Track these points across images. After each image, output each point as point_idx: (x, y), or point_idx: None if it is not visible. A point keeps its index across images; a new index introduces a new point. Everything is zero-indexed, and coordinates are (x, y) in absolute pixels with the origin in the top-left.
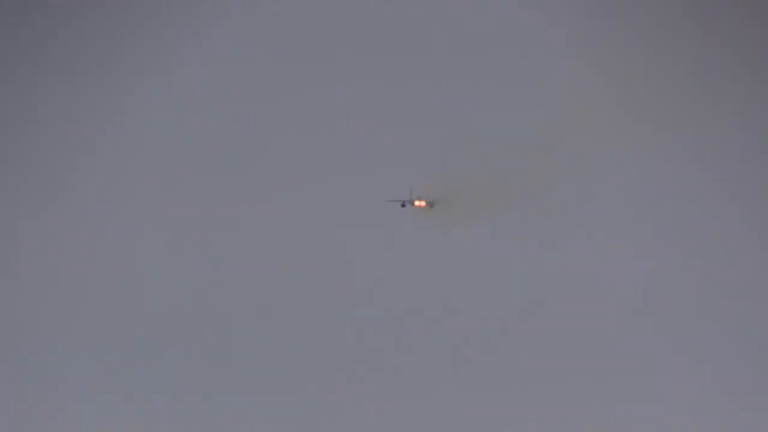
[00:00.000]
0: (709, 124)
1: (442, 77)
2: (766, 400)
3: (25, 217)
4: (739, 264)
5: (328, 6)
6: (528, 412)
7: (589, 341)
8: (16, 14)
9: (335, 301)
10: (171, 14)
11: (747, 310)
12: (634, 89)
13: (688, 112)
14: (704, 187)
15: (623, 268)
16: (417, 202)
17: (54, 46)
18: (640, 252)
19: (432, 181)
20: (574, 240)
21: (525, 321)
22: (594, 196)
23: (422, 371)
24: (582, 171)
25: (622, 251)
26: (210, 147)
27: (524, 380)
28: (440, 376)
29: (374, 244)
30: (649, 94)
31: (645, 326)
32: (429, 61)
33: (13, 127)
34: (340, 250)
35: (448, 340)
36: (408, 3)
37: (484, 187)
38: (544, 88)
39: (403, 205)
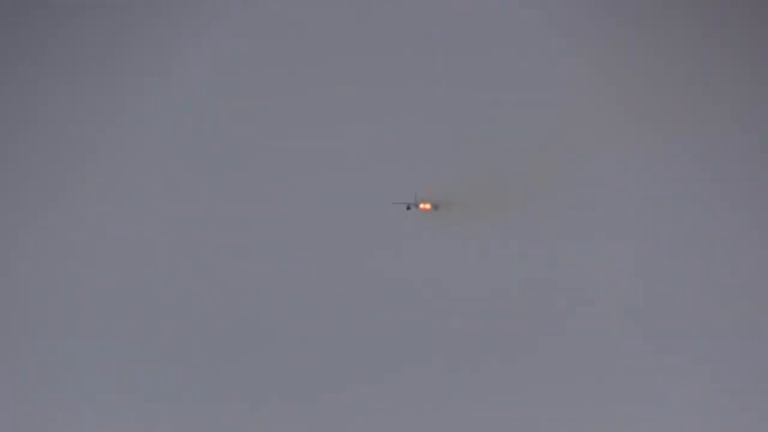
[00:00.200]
0: (709, 124)
1: (444, 80)
2: (767, 401)
3: (25, 217)
4: (739, 264)
5: (328, 6)
6: (529, 412)
7: (592, 342)
8: (16, 14)
9: (339, 303)
10: (171, 14)
11: (748, 310)
12: (635, 90)
13: (688, 112)
14: (705, 187)
15: (627, 269)
16: (422, 205)
17: (54, 46)
18: (644, 253)
19: (436, 184)
20: (577, 241)
21: (528, 322)
22: (597, 197)
23: (423, 371)
24: (585, 172)
25: (626, 252)
26: (211, 147)
27: (527, 381)
28: (442, 377)
29: (379, 246)
30: (650, 94)
31: (646, 327)
32: (431, 63)
33: (13, 127)
34: (345, 252)
35: (452, 342)
36: (409, 3)
37: (488, 189)
38: (547, 89)
39: (408, 208)
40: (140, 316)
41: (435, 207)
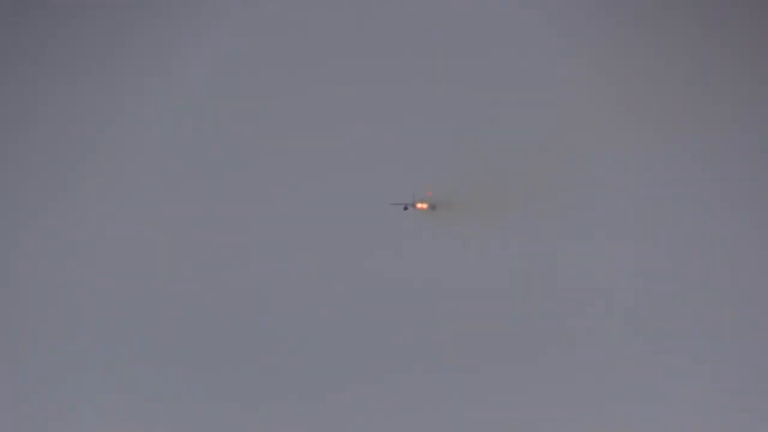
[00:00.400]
0: (709, 124)
1: (444, 80)
2: (767, 400)
3: (25, 217)
4: (739, 264)
5: (328, 6)
6: (528, 410)
7: (592, 341)
8: (16, 14)
9: (338, 302)
10: (171, 14)
11: (747, 309)
12: (635, 90)
13: (688, 112)
14: (705, 187)
15: (627, 268)
16: (419, 205)
17: (54, 46)
18: (644, 253)
19: (435, 184)
20: (577, 241)
21: (527, 321)
22: (597, 197)
23: (423, 370)
24: (585, 172)
25: (626, 252)
26: (211, 147)
27: (527, 379)
28: (441, 376)
29: (377, 246)
30: (650, 94)
31: (645, 326)
32: (431, 64)
33: (13, 127)
34: (344, 252)
35: (451, 340)
36: (408, 4)
37: (486, 189)
38: (547, 89)
39: (405, 208)
40: (140, 316)
41: (432, 207)
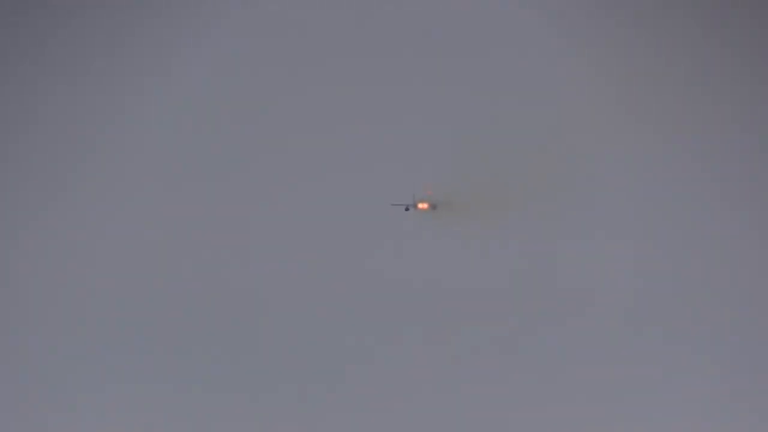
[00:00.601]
0: (709, 124)
1: (443, 80)
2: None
3: (25, 217)
4: (740, 264)
5: (328, 6)
6: (527, 411)
7: (593, 342)
8: (16, 14)
9: (339, 303)
10: (171, 14)
11: (748, 310)
12: (635, 90)
13: (688, 112)
14: (705, 187)
15: (627, 268)
16: (420, 205)
17: (54, 46)
18: (644, 253)
19: (435, 184)
20: (577, 241)
21: (528, 322)
22: (597, 197)
23: (425, 371)
24: (585, 172)
25: (626, 252)
26: (211, 147)
27: (527, 381)
28: (441, 377)
29: (378, 246)
30: (650, 94)
31: (646, 326)
32: (431, 64)
33: (13, 127)
34: (345, 253)
35: (451, 340)
36: (409, 3)
37: (487, 189)
38: (547, 89)
39: (407, 209)
40: (140, 317)
41: (433, 207)
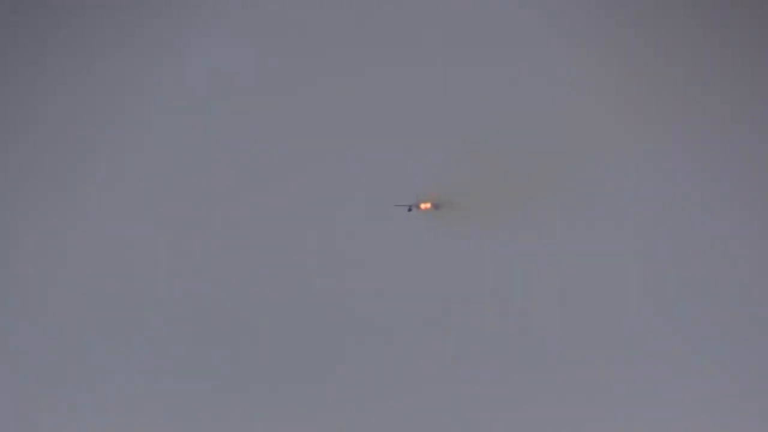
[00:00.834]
0: (708, 123)
1: (445, 81)
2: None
3: (25, 217)
4: (739, 260)
5: (329, 6)
6: (527, 406)
7: (592, 337)
8: (16, 14)
9: (341, 304)
10: (171, 14)
11: (749, 307)
12: (635, 89)
13: (688, 111)
14: (704, 184)
15: (628, 266)
16: (422, 205)
17: (54, 46)
18: (644, 251)
19: (438, 184)
20: (578, 239)
21: (528, 318)
22: (598, 196)
23: (426, 369)
24: (586, 171)
25: (627, 251)
26: (212, 147)
27: (527, 378)
28: (445, 375)
29: (381, 245)
30: (650, 94)
31: (646, 323)
32: (432, 65)
33: (13, 127)
34: (347, 252)
35: (453, 339)
36: (409, 4)
37: (488, 188)
38: (547, 89)
39: (409, 209)
40: (140, 316)
41: (435, 206)
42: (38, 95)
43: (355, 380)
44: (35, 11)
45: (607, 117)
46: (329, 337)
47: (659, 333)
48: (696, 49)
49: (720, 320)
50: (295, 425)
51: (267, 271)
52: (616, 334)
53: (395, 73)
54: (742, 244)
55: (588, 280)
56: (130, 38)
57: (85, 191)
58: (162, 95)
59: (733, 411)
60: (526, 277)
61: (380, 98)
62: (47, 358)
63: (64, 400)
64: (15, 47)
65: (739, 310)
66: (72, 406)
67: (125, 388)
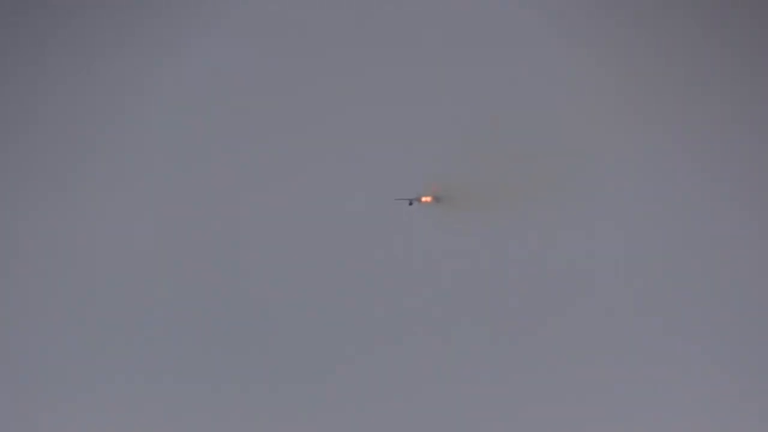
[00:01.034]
0: (709, 122)
1: (444, 78)
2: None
3: (26, 217)
4: (739, 258)
5: (330, 5)
6: (526, 401)
7: (592, 332)
8: (16, 14)
9: (342, 297)
10: (171, 14)
11: (749, 305)
12: (635, 86)
13: (688, 110)
14: (703, 183)
15: (627, 260)
16: (423, 198)
17: (54, 46)
18: (644, 246)
19: (438, 177)
20: (578, 234)
21: (528, 313)
22: (598, 192)
23: (428, 366)
24: (586, 168)
25: (626, 244)
26: (212, 147)
27: (527, 376)
28: (444, 371)
29: (384, 239)
30: (649, 93)
31: (645, 319)
32: (433, 61)
33: (13, 127)
34: (351, 247)
35: (453, 333)
36: (410, 3)
37: (489, 182)
38: (547, 87)
39: (410, 204)
40: (141, 316)
41: (437, 199)
42: (38, 95)
43: (357, 377)
44: (35, 11)
45: (607, 113)
46: (330, 334)
47: (660, 329)
48: (696, 49)
49: (720, 319)
50: (295, 424)
51: (266, 270)
52: (615, 330)
53: (395, 70)
54: (743, 244)
55: (588, 275)
56: (130, 38)
57: (85, 191)
58: (162, 95)
59: (733, 411)
60: (526, 269)
61: (381, 95)
62: (47, 358)
63: (64, 400)
64: (15, 47)
65: (740, 310)
66: (72, 406)
67: (125, 388)
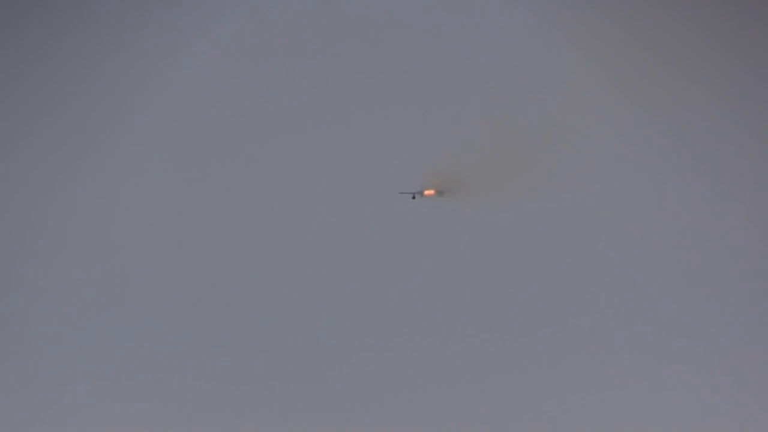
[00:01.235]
0: (708, 121)
1: (446, 74)
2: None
3: (25, 217)
4: (739, 257)
5: (331, 5)
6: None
7: (591, 328)
8: (16, 14)
9: (345, 292)
10: (172, 14)
11: (748, 303)
12: (635, 84)
13: (687, 109)
14: (703, 181)
15: (627, 252)
16: (426, 192)
17: (54, 46)
18: (647, 237)
19: (442, 172)
20: (578, 229)
21: (529, 306)
22: (600, 186)
23: (432, 357)
24: (586, 160)
25: (627, 236)
26: (219, 140)
27: (527, 360)
28: (451, 361)
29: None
30: (650, 92)
31: (644, 314)
32: (434, 58)
33: (13, 127)
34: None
35: (453, 328)
36: (411, 2)
37: (491, 177)
38: (549, 83)
39: (413, 197)
40: (142, 316)
41: (439, 192)
42: (38, 95)
43: (355, 368)
44: (35, 11)
45: (609, 110)
46: (330, 331)
47: (659, 327)
48: (696, 49)
49: (721, 315)
50: (296, 424)
51: (267, 268)
52: (616, 328)
53: (397, 66)
54: (743, 240)
55: (588, 269)
56: (130, 38)
57: (85, 191)
58: (163, 94)
59: (733, 411)
60: (528, 261)
61: (384, 91)
62: (47, 357)
63: (64, 400)
64: (15, 47)
65: (738, 307)
66: (72, 406)
67: (125, 388)
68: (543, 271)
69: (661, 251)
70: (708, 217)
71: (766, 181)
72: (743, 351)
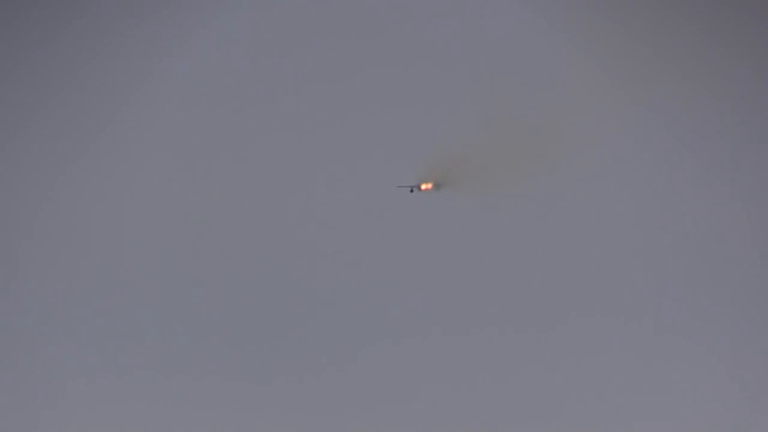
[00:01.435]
0: (708, 120)
1: (444, 69)
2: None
3: (25, 217)
4: (739, 255)
5: (330, 3)
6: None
7: (590, 323)
8: (16, 14)
9: (344, 288)
10: (171, 14)
11: (747, 302)
12: (635, 82)
13: (688, 108)
14: (704, 180)
15: (626, 245)
16: (423, 186)
17: (54, 46)
18: (644, 242)
19: (439, 165)
20: (577, 225)
21: (528, 301)
22: (598, 183)
23: (432, 356)
24: (585, 154)
25: (626, 230)
26: (219, 136)
27: (524, 355)
28: (449, 357)
29: (386, 226)
30: (650, 91)
31: (647, 318)
32: (432, 53)
33: (13, 127)
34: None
35: (453, 322)
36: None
37: (490, 171)
38: (547, 79)
39: (411, 191)
40: (142, 316)
41: (437, 186)
42: (38, 95)
43: (355, 365)
44: (35, 11)
45: (608, 107)
46: (331, 328)
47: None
48: (696, 49)
49: (719, 317)
50: (296, 423)
51: (266, 268)
52: (615, 324)
53: (397, 64)
54: (743, 239)
55: (587, 263)
56: (130, 38)
57: (85, 191)
58: (163, 95)
59: (733, 411)
60: (525, 256)
61: (382, 87)
62: (47, 357)
63: (64, 400)
64: (15, 47)
65: (740, 306)
66: (72, 406)
67: (125, 388)
68: (541, 265)
69: (661, 251)
70: (708, 216)
71: (766, 181)
72: (744, 351)
